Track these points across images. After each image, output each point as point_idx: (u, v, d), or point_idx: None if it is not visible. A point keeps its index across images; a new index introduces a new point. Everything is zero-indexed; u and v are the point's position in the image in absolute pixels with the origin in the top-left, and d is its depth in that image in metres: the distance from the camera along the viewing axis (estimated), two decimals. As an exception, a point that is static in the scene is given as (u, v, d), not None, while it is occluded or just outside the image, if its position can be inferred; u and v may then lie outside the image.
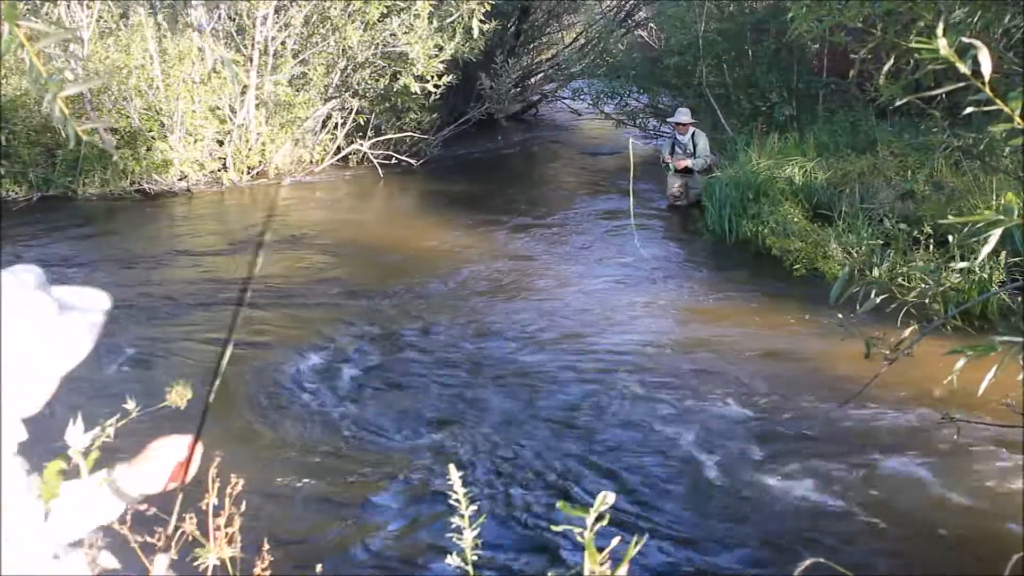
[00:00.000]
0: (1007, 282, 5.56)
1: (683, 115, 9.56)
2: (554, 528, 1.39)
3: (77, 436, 1.40)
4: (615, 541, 1.24)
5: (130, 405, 1.57)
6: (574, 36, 17.25)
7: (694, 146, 9.41)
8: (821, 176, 8.43)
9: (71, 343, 1.25)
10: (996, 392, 2.76)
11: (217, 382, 1.43)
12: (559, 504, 1.27)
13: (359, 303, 6.62)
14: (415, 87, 11.29)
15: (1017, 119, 1.45)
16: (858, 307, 2.71)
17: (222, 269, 7.52)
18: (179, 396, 1.60)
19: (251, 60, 10.88)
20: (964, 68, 1.45)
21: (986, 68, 1.39)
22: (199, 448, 1.49)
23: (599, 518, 1.19)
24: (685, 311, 6.42)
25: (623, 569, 1.19)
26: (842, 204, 7.57)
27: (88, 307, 1.28)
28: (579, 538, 1.18)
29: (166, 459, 1.49)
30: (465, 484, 1.48)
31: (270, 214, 8.34)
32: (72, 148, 10.10)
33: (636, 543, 1.20)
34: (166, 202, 10.29)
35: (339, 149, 12.23)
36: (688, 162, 9.39)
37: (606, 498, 1.20)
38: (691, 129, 9.50)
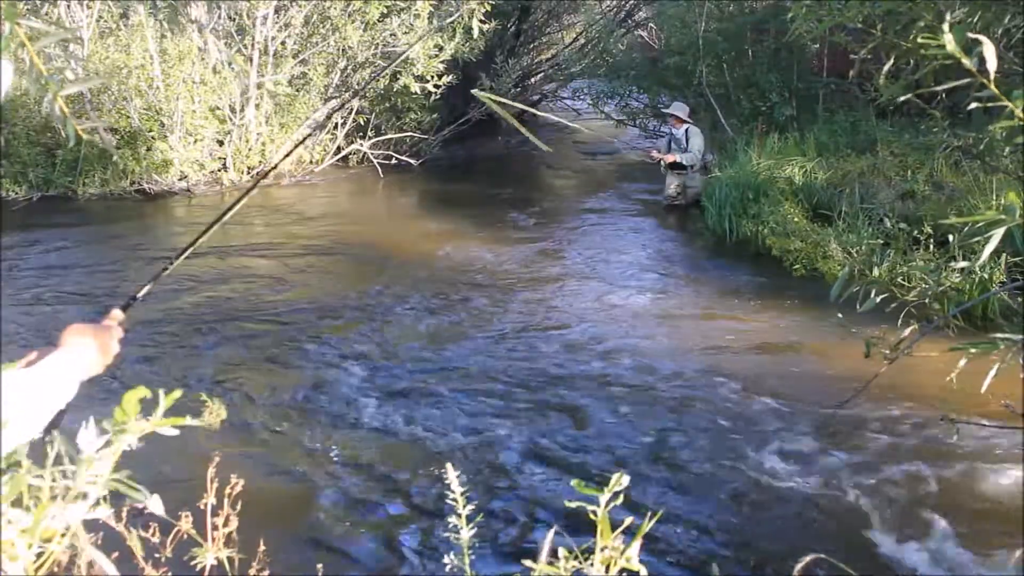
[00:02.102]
0: (1007, 282, 5.56)
1: (676, 109, 9.53)
2: (568, 504, 1.35)
3: (90, 440, 1.39)
4: (628, 521, 1.23)
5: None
6: (574, 36, 17.23)
7: (687, 141, 9.38)
8: (821, 176, 8.42)
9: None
10: (994, 392, 2.76)
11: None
12: (574, 483, 1.26)
13: (358, 302, 6.62)
14: (415, 87, 11.30)
15: (1019, 114, 1.45)
16: (858, 307, 2.71)
17: (221, 269, 7.51)
18: (215, 415, 1.55)
19: (251, 60, 10.87)
20: (969, 64, 1.45)
21: (991, 63, 1.39)
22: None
23: (613, 497, 1.19)
24: (685, 311, 6.41)
25: (636, 545, 1.18)
26: (842, 204, 7.56)
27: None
28: (591, 516, 1.18)
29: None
30: (466, 482, 1.48)
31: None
32: (72, 148, 10.11)
33: (650, 519, 1.20)
34: (166, 202, 10.29)
35: (339, 149, 12.23)
36: (676, 156, 9.34)
37: (621, 478, 1.20)
38: (685, 124, 9.45)
